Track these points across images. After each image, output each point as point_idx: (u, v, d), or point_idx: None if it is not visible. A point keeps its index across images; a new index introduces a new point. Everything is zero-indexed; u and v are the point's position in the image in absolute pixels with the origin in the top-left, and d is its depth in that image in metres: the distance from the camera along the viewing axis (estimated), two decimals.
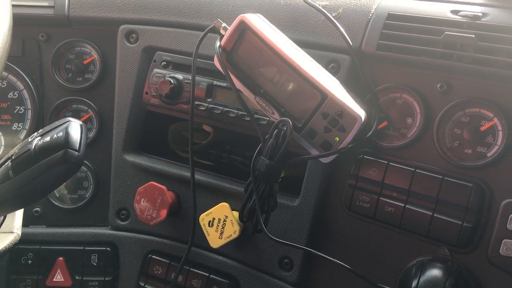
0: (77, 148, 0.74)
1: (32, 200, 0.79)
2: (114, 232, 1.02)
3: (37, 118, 1.05)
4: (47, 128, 0.78)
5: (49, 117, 1.05)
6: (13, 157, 0.74)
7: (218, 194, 0.95)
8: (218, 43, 0.83)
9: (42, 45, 1.06)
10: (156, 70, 1.00)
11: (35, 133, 0.78)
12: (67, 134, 0.74)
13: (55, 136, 0.74)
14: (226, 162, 1.02)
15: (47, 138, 0.74)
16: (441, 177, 0.78)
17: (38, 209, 1.05)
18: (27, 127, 1.05)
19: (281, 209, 0.90)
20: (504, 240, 0.73)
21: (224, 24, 0.84)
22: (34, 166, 0.74)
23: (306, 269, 0.90)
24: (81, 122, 0.77)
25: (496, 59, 0.76)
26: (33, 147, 0.74)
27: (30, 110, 1.06)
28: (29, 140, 0.77)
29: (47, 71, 1.06)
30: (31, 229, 1.03)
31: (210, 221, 0.90)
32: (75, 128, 0.75)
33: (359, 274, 0.77)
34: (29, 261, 1.00)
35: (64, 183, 1.04)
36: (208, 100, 0.95)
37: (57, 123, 0.77)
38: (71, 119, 0.76)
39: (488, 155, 0.77)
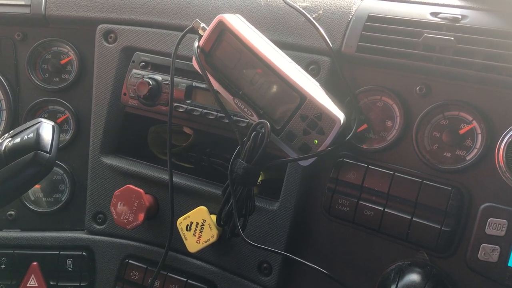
0: (48, 150, 0.72)
1: (3, 203, 0.77)
2: (90, 236, 1.00)
3: (12, 119, 1.03)
4: (18, 129, 0.76)
5: (25, 118, 1.03)
6: None
7: (197, 197, 0.93)
8: (196, 44, 0.82)
9: (18, 45, 1.04)
10: (134, 70, 0.98)
11: (6, 134, 0.76)
12: (38, 135, 0.72)
13: (25, 137, 0.72)
14: (206, 165, 1.01)
15: (17, 140, 0.73)
16: (420, 180, 0.77)
17: (12, 212, 1.03)
18: (1, 128, 1.03)
19: (260, 213, 0.88)
20: (483, 244, 0.72)
21: (202, 25, 0.83)
22: (3, 168, 0.72)
23: (285, 274, 0.88)
24: (52, 123, 0.75)
25: (474, 61, 0.75)
26: (3, 149, 0.73)
27: (5, 111, 1.03)
28: None
29: (23, 71, 1.03)
30: (5, 233, 1.01)
31: (187, 225, 0.88)
32: (46, 129, 0.73)
33: (335, 279, 0.76)
34: (2, 266, 0.97)
35: (39, 186, 1.02)
36: (187, 101, 0.94)
37: (28, 124, 0.76)
38: (42, 119, 0.75)
39: (467, 158, 0.76)
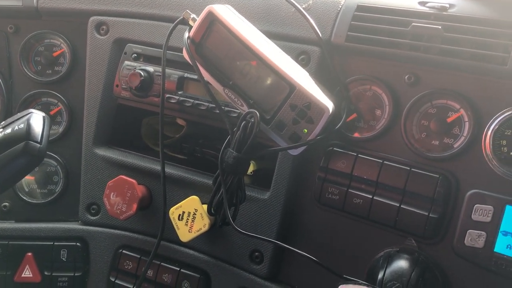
0: (39, 140, 0.73)
1: None
2: (84, 227, 1.01)
3: (5, 111, 1.03)
4: (9, 120, 0.77)
5: (18, 110, 1.03)
6: None
7: (189, 187, 0.94)
8: (186, 35, 0.82)
9: (11, 37, 1.04)
10: (126, 62, 0.98)
11: None
12: (28, 125, 0.73)
13: (16, 128, 0.73)
14: (199, 156, 1.02)
15: (8, 130, 0.73)
16: (408, 168, 0.78)
17: (6, 204, 1.03)
18: None
19: (252, 202, 0.89)
20: (469, 230, 0.73)
21: (193, 15, 0.83)
22: None
23: (276, 262, 0.89)
24: (43, 114, 0.76)
25: (462, 50, 0.76)
26: None
27: None
28: None
29: (16, 63, 1.04)
30: None
31: (180, 215, 0.89)
32: (37, 120, 0.74)
33: (325, 266, 0.77)
34: None
35: (33, 177, 1.03)
36: (179, 92, 0.94)
37: (19, 114, 0.76)
38: (33, 110, 0.75)
39: (455, 146, 0.77)
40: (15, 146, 0.71)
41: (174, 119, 1.02)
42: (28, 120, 0.73)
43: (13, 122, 0.74)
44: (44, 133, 0.73)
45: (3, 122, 0.77)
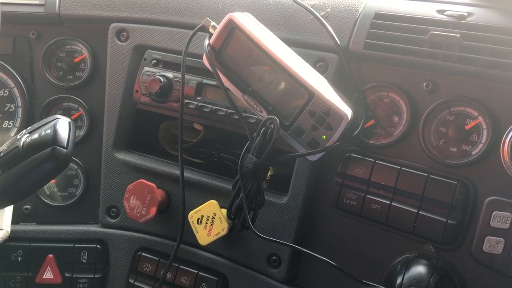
0: (65, 145, 0.74)
1: (21, 197, 0.79)
2: (104, 229, 1.03)
3: (27, 116, 1.06)
4: (35, 125, 0.78)
5: (40, 115, 1.05)
6: (1, 154, 0.75)
7: (207, 192, 0.95)
8: (207, 42, 0.84)
9: (33, 43, 1.06)
10: (146, 68, 1.00)
11: (24, 130, 0.79)
12: (55, 131, 0.74)
13: (43, 133, 0.75)
14: (216, 160, 1.03)
15: (35, 136, 0.75)
16: (426, 174, 0.79)
17: (28, 206, 1.05)
18: (17, 124, 1.06)
19: (270, 206, 0.90)
20: (488, 237, 0.74)
21: (213, 23, 0.85)
22: (22, 163, 0.74)
23: (294, 266, 0.90)
24: (69, 120, 0.77)
25: (480, 58, 0.77)
26: (21, 144, 0.75)
27: (20, 108, 1.06)
28: (18, 137, 0.77)
29: (38, 69, 1.06)
30: (21, 227, 1.04)
31: (198, 219, 0.91)
32: (63, 125, 0.76)
33: (344, 271, 0.78)
34: (19, 258, 1.00)
35: (54, 181, 1.05)
36: (198, 98, 0.96)
37: (45, 120, 0.78)
38: (59, 116, 0.77)
39: (473, 153, 0.78)
40: (42, 151, 0.73)
41: (191, 124, 1.04)
42: (54, 125, 0.74)
43: (39, 127, 0.76)
44: (70, 138, 0.75)
45: (30, 127, 0.79)
